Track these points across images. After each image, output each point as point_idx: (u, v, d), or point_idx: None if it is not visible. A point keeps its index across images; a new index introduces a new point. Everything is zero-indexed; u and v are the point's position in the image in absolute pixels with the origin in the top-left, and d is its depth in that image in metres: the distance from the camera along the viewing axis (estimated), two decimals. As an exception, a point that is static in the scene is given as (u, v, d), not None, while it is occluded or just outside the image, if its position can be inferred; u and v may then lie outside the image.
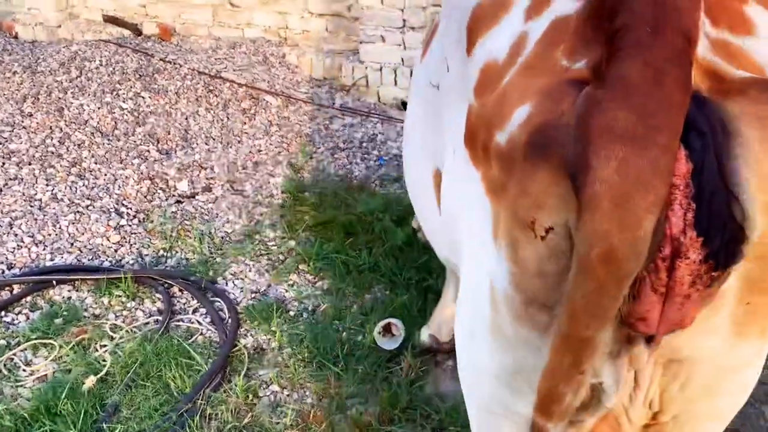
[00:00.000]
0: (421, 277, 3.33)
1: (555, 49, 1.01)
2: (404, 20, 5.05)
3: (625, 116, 0.82)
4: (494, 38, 1.15)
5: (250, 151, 4.61)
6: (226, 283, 3.44)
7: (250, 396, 2.68)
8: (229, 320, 3.13)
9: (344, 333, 3.02)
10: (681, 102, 0.84)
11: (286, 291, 3.38)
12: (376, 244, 3.61)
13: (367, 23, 5.19)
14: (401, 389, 2.62)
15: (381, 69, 5.29)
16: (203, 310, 3.23)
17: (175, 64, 5.25)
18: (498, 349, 1.12)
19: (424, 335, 2.83)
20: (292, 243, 3.75)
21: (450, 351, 2.84)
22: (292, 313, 3.19)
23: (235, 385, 2.71)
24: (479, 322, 1.17)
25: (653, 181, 0.81)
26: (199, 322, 3.15)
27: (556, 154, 0.90)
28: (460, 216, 1.25)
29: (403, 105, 3.45)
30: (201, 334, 3.06)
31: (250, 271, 3.54)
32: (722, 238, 0.86)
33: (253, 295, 3.35)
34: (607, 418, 1.18)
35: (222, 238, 3.81)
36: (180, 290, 3.35)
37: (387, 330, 2.95)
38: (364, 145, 4.93)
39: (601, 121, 0.84)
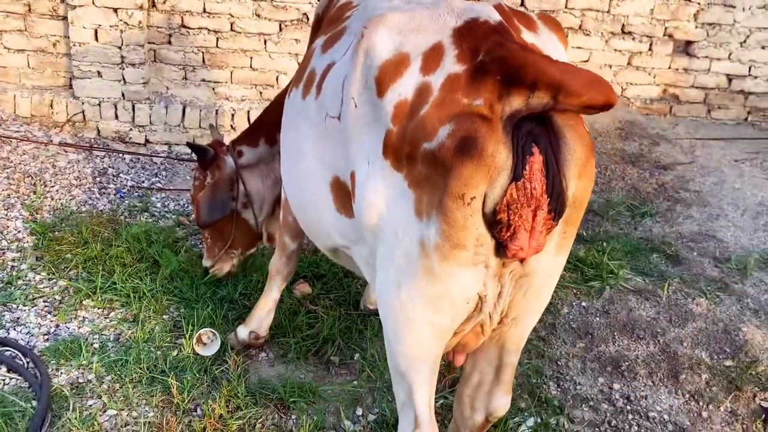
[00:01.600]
0: (212, 291, 3.72)
1: (456, 93, 1.66)
2: (122, 57, 5.19)
3: None
4: (401, 86, 1.76)
5: (-26, 197, 4.30)
6: (8, 332, 3.33)
7: (93, 425, 2.79)
8: (30, 362, 3.10)
9: (159, 351, 3.27)
10: None
11: (79, 327, 3.43)
12: (157, 270, 3.85)
13: (82, 59, 5.18)
14: (236, 380, 3.04)
15: (100, 104, 5.32)
16: (-7, 362, 3.12)
17: None
18: (429, 284, 1.75)
19: (243, 333, 3.25)
20: (64, 282, 3.74)
21: (264, 344, 3.33)
22: (96, 345, 3.29)
23: (68, 420, 2.79)
24: (410, 272, 1.77)
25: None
26: (-6, 373, 3.05)
27: (476, 152, 1.58)
28: (378, 205, 1.80)
29: (211, 127, 3.90)
30: (5, 383, 2.99)
31: (28, 316, 3.46)
32: (558, 199, 1.65)
33: (45, 337, 3.33)
34: (474, 326, 1.93)
35: (-22, 289, 3.60)
36: (-48, 349, 3.15)
37: (199, 340, 3.30)
38: (98, 179, 4.95)
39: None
